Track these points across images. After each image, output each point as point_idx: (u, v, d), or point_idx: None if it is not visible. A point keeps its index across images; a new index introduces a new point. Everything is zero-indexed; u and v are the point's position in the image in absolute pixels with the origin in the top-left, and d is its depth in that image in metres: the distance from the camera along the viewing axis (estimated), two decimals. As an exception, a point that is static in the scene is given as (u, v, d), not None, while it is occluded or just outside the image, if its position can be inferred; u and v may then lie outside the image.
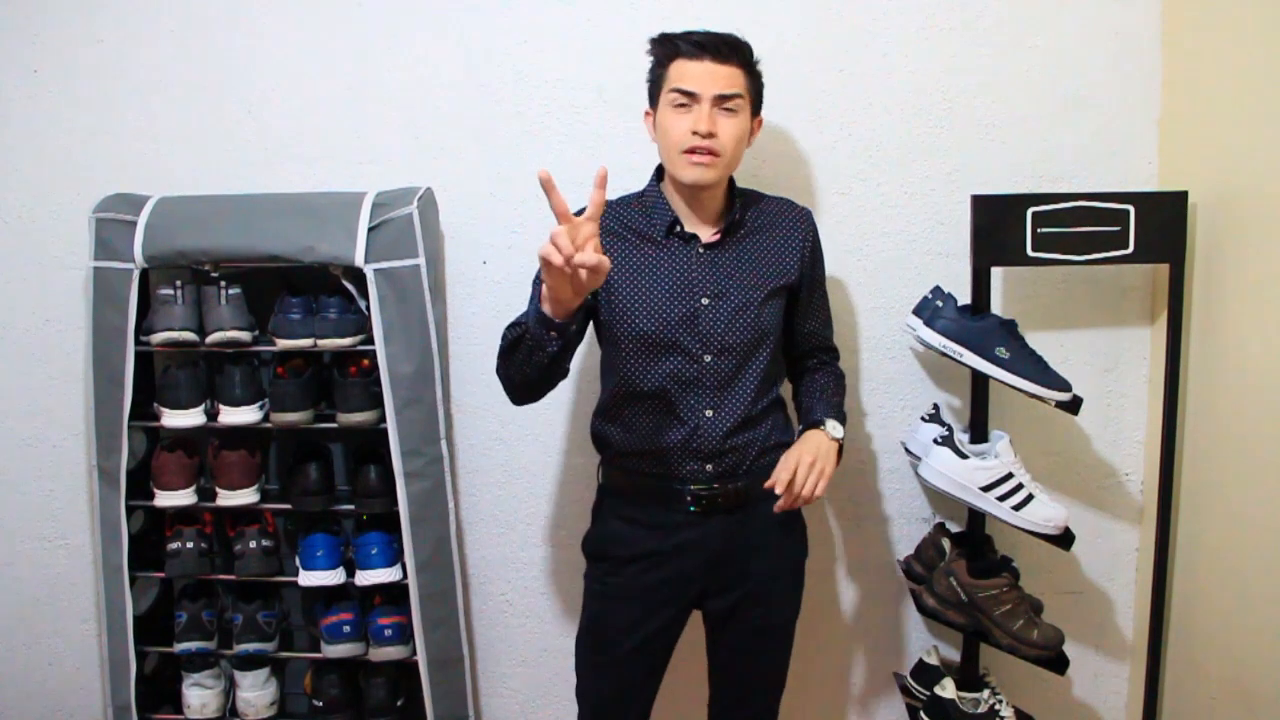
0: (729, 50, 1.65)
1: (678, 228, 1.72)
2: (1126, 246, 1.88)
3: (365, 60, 2.07)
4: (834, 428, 1.70)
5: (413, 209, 1.92)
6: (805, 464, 1.61)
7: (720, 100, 1.64)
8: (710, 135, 1.63)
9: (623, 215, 1.75)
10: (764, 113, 1.72)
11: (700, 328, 1.69)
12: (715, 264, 1.71)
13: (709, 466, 1.70)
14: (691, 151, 1.64)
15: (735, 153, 1.67)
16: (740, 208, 1.75)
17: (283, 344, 1.94)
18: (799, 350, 1.86)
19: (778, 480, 1.60)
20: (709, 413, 1.69)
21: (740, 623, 1.78)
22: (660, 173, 1.77)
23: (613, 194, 1.62)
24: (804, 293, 1.80)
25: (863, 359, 2.11)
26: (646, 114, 1.74)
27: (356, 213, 1.92)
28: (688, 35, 1.66)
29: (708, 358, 1.69)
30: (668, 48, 1.67)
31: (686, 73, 1.64)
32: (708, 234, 1.73)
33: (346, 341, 1.95)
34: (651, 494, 1.73)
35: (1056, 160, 2.03)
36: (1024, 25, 2.00)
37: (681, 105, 1.64)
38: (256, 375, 2.00)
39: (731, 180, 1.76)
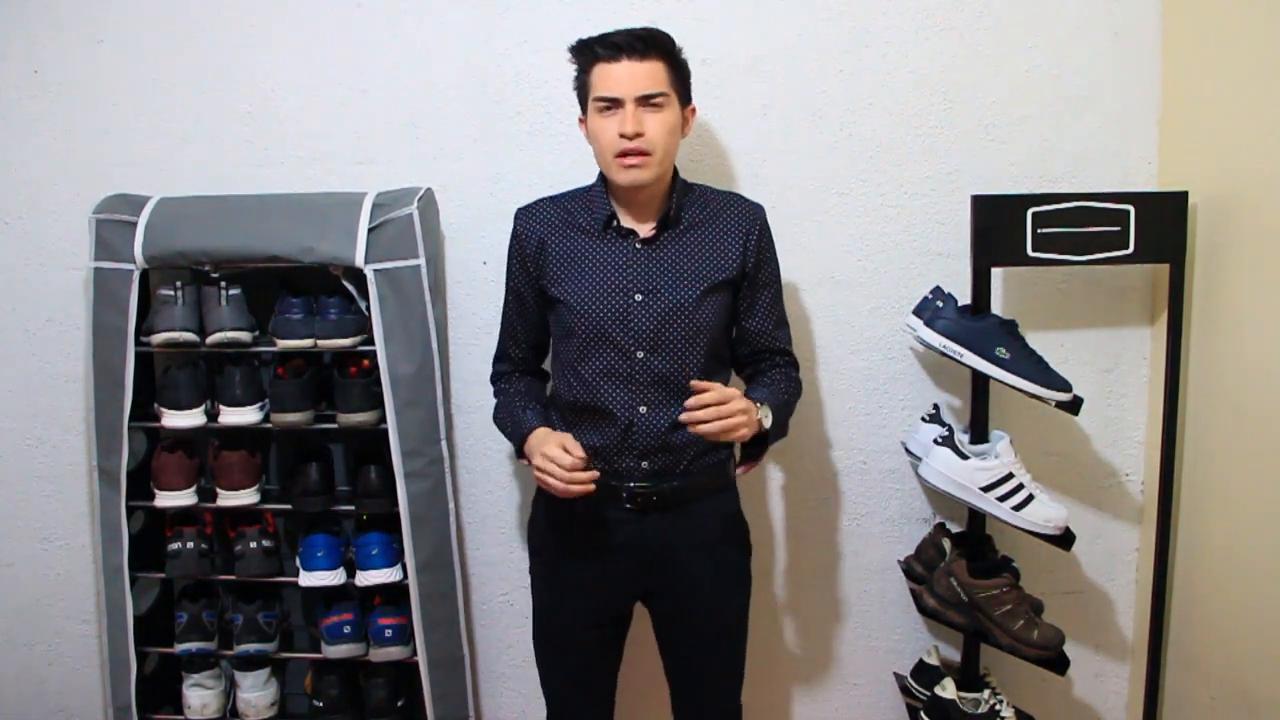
0: (645, 46, 1.64)
1: (614, 222, 1.73)
2: (1127, 247, 1.88)
3: (365, 60, 2.07)
4: (765, 414, 1.68)
5: (413, 209, 1.92)
6: (730, 406, 1.59)
7: (643, 100, 1.63)
8: (638, 135, 1.63)
9: (566, 209, 1.77)
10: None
11: (632, 324, 1.69)
12: (651, 260, 1.71)
13: (645, 464, 1.70)
14: (623, 155, 1.64)
15: (667, 147, 1.67)
16: (680, 203, 1.74)
17: (283, 344, 1.94)
18: (747, 349, 1.81)
19: (703, 389, 1.58)
20: (643, 409, 1.69)
21: (685, 624, 1.78)
22: None
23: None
24: (746, 288, 1.76)
25: (863, 359, 2.11)
26: (580, 120, 1.74)
27: (356, 213, 1.92)
28: (604, 39, 1.65)
29: (640, 354, 1.69)
30: (587, 55, 1.67)
31: (608, 77, 1.64)
32: (646, 230, 1.73)
33: (347, 342, 1.95)
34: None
35: (1056, 160, 2.03)
36: (1024, 25, 2.00)
37: (607, 109, 1.65)
38: (257, 375, 2.00)
39: (676, 174, 1.75)
